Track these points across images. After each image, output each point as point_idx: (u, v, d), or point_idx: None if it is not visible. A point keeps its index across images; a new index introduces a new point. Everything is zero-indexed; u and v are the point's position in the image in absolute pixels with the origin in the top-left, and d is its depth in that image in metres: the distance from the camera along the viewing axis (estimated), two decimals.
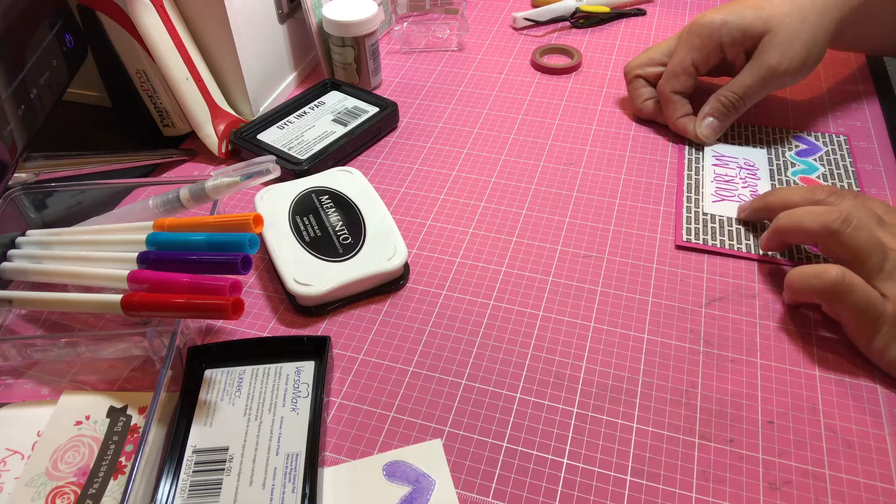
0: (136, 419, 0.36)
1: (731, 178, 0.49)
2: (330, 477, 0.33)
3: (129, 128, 0.57)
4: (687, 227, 0.45)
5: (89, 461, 0.34)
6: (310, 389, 0.36)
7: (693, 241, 0.45)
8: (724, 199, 0.48)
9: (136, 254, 0.38)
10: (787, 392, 0.36)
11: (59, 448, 0.35)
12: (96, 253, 0.39)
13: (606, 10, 0.69)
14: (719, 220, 0.46)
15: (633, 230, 0.46)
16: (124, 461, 0.34)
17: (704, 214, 0.47)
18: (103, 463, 0.34)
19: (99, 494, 0.33)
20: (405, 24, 0.67)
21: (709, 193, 0.48)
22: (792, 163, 0.51)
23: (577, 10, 0.69)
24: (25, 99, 0.42)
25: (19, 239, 0.42)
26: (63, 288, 0.40)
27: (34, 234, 0.42)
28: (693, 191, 0.49)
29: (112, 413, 0.36)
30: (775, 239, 0.42)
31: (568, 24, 0.69)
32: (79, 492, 0.33)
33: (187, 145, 0.56)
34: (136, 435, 0.35)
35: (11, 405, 0.37)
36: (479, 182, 0.51)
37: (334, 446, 0.35)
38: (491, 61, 0.64)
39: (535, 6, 0.71)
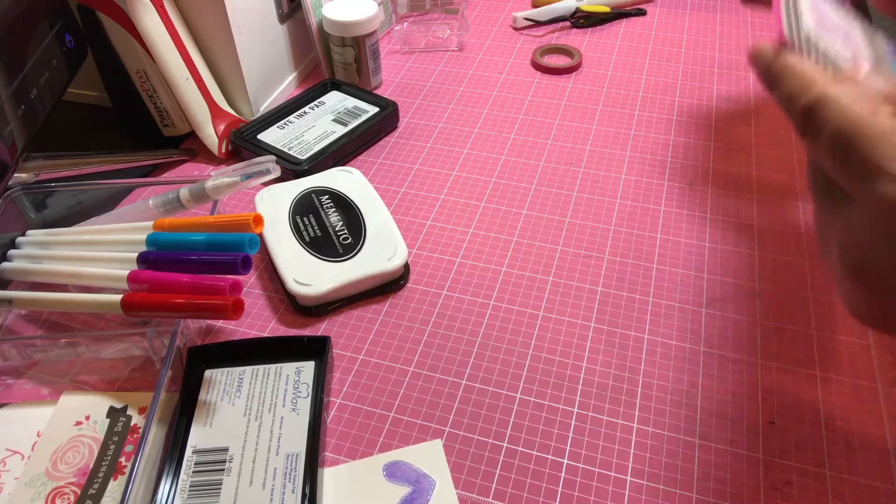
0: (136, 419, 0.36)
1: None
2: (330, 477, 0.33)
3: (129, 128, 0.57)
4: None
5: (89, 461, 0.34)
6: (310, 390, 0.36)
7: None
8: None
9: (136, 254, 0.38)
10: (787, 392, 0.36)
11: (59, 448, 0.35)
12: (96, 253, 0.39)
13: (607, 10, 0.69)
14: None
15: (634, 230, 0.46)
16: (124, 461, 0.34)
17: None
18: (103, 463, 0.34)
19: (99, 495, 0.33)
20: (405, 24, 0.67)
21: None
22: None
23: (578, 10, 0.69)
24: (25, 99, 0.42)
25: (19, 239, 0.42)
26: (63, 288, 0.40)
27: (34, 234, 0.42)
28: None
29: (112, 413, 0.36)
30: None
31: (568, 24, 0.69)
32: (79, 492, 0.33)
33: (187, 145, 0.55)
34: (136, 435, 0.35)
35: (11, 405, 0.37)
36: (479, 182, 0.51)
37: (334, 446, 0.35)
38: (491, 61, 0.64)
39: (535, 6, 0.71)
